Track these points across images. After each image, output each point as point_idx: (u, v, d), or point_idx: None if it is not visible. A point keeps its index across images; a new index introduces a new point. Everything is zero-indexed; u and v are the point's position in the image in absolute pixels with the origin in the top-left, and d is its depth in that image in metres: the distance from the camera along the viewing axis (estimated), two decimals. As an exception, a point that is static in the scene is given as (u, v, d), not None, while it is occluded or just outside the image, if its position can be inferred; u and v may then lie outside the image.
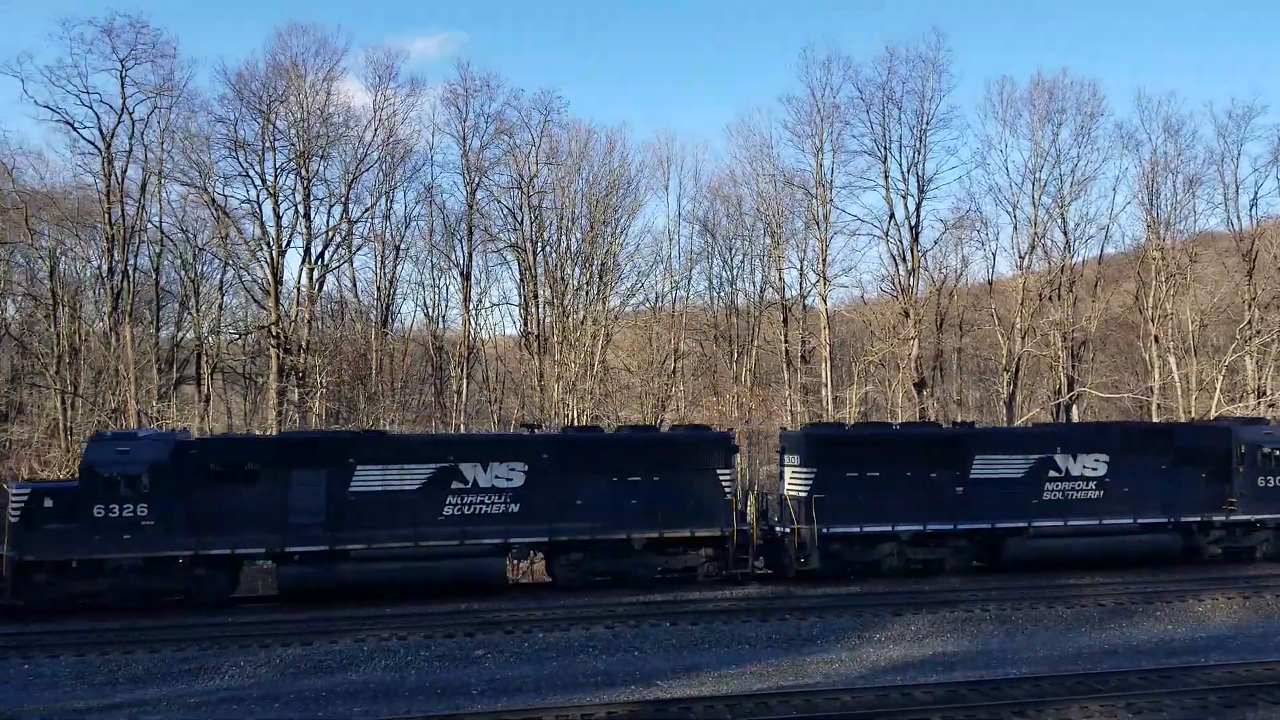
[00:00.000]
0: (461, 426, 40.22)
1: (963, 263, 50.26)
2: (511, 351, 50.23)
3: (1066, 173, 47.77)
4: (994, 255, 60.60)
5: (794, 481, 23.43)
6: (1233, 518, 25.02)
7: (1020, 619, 18.94)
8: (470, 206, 46.49)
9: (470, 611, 19.59)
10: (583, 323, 44.96)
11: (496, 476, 21.41)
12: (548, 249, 47.57)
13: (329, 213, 44.72)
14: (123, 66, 40.91)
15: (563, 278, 46.79)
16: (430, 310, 48.44)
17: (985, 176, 61.98)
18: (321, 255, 44.18)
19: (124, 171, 41.61)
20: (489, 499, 21.37)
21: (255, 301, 44.95)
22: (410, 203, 50.83)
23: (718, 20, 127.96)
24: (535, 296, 46.76)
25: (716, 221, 51.89)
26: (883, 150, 47.09)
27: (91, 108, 41.01)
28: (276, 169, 43.19)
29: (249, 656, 16.21)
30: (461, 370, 44.85)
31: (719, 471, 22.61)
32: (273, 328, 41.52)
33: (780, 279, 50.54)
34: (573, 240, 47.76)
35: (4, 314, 43.91)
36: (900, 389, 44.00)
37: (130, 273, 41.82)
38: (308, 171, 43.37)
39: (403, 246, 47.13)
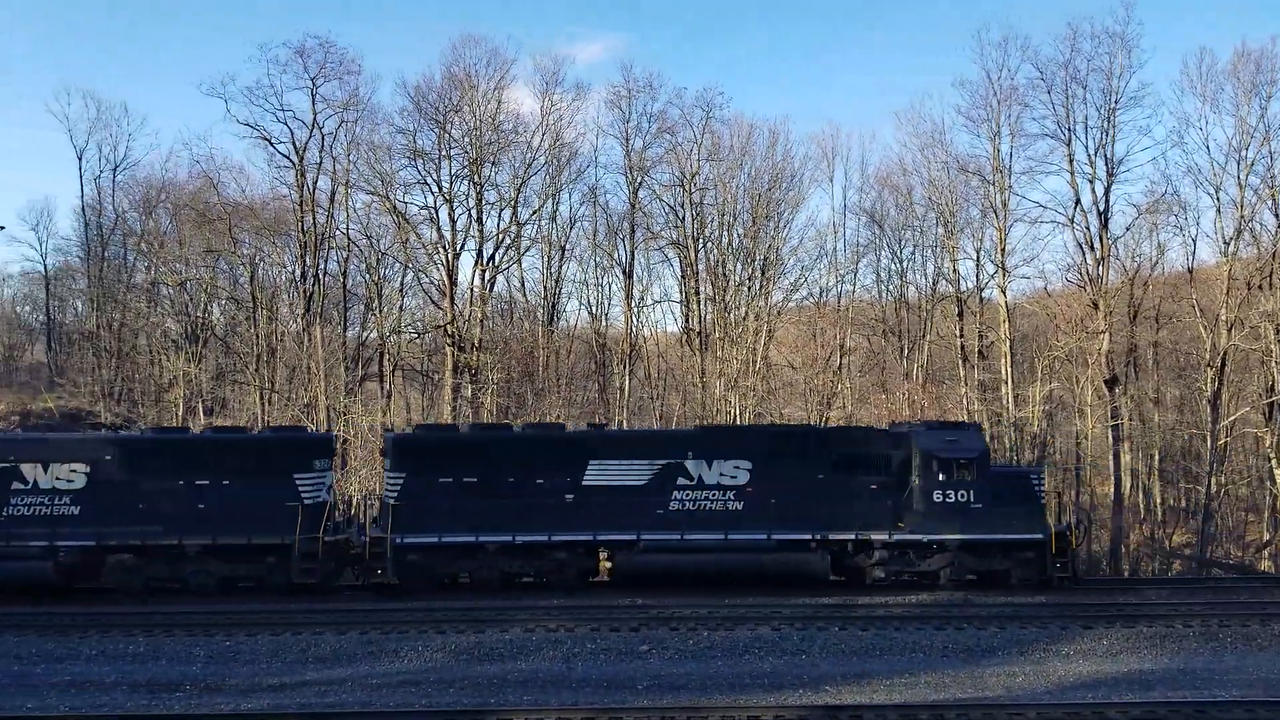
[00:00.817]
0: (624, 423, 40.69)
1: (1159, 250, 46.58)
2: (673, 348, 50.44)
3: (1278, 150, 43.51)
4: (1194, 241, 55.54)
5: (387, 487, 22.19)
6: (897, 537, 21.56)
7: (1229, 637, 17.31)
8: (633, 205, 47.01)
9: (636, 606, 19.73)
10: (745, 319, 44.59)
11: (57, 478, 21.01)
12: (709, 245, 47.51)
13: (499, 216, 46.28)
14: (313, 84, 43.94)
15: (724, 274, 46.56)
16: (594, 308, 49.47)
17: (1183, 157, 57.48)
18: (493, 257, 45.74)
19: (315, 182, 44.72)
20: (46, 500, 20.97)
21: (432, 302, 47.06)
22: (575, 204, 52.02)
23: (884, 4, 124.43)
24: (697, 293, 46.73)
25: (885, 212, 50.33)
26: (1066, 132, 44.08)
27: (286, 124, 44.36)
28: (452, 176, 45.07)
29: (426, 641, 16.89)
30: (624, 367, 45.44)
31: (297, 476, 21.45)
32: (448, 327, 43.31)
33: (955, 270, 48.29)
34: (734, 236, 47.47)
35: (211, 317, 47.97)
36: (1089, 386, 41.28)
37: (320, 277, 44.82)
38: (480, 178, 44.95)
39: (568, 247, 48.32)
